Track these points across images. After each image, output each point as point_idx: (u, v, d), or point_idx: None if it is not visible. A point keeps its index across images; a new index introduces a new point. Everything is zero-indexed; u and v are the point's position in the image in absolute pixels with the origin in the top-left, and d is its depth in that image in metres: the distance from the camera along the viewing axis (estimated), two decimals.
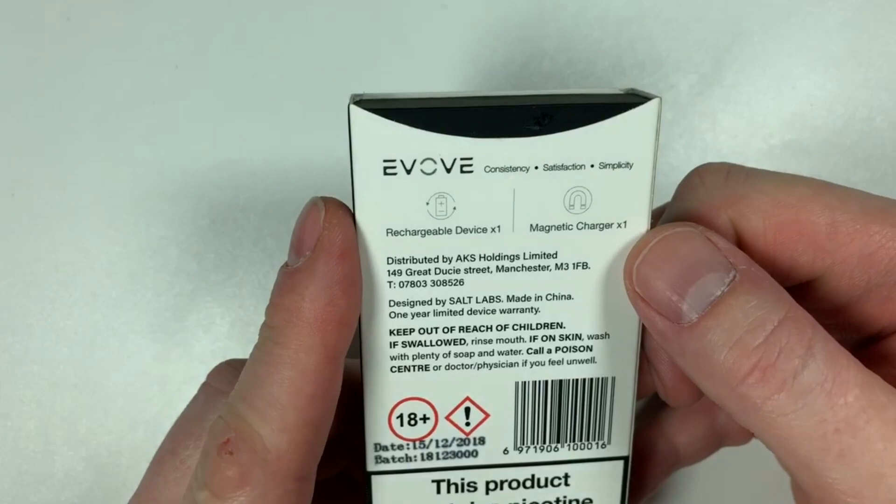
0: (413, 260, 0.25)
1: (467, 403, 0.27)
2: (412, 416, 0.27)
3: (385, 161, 0.24)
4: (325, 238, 0.24)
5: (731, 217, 0.26)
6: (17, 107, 0.38)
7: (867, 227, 0.25)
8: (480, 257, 0.26)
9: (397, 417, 0.27)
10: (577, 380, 0.27)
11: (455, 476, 0.28)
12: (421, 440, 0.28)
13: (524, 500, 0.29)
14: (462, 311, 0.26)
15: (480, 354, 0.27)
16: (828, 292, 0.26)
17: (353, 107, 0.24)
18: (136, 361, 0.39)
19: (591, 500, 0.29)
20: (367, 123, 0.24)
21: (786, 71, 0.38)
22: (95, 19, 0.38)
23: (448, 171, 0.24)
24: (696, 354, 0.23)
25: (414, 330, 0.26)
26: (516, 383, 0.27)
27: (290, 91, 0.38)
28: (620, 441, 0.28)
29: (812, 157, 0.39)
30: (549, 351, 0.27)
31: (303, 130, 0.38)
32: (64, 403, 0.39)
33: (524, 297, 0.26)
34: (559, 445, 0.28)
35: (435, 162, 0.24)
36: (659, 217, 0.28)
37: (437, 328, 0.26)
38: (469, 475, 0.28)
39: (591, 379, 0.27)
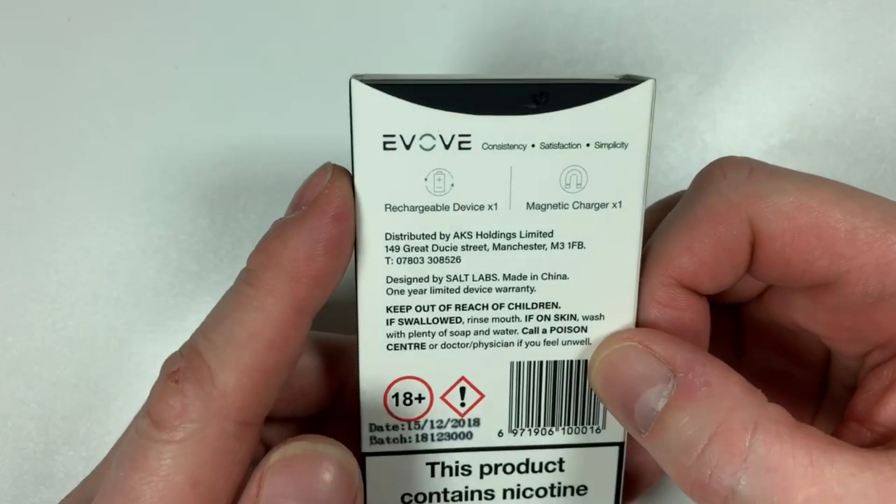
0: (411, 236, 0.26)
1: (462, 383, 0.27)
2: (407, 396, 0.27)
3: (385, 136, 0.25)
4: (323, 197, 0.24)
5: (749, 215, 0.26)
6: (17, 107, 0.38)
7: (886, 236, 0.25)
8: (477, 235, 0.26)
9: (392, 397, 0.27)
10: (571, 361, 0.27)
11: (450, 459, 0.28)
12: (416, 420, 0.28)
13: (518, 485, 0.29)
14: (458, 288, 0.26)
15: (476, 333, 0.27)
16: (840, 297, 0.26)
17: (354, 81, 0.24)
18: (137, 361, 0.39)
19: (585, 488, 0.29)
20: (368, 98, 0.24)
21: (786, 71, 0.38)
22: (96, 19, 0.38)
23: (446, 147, 0.25)
24: (657, 460, 0.25)
25: (410, 307, 0.26)
26: (511, 363, 0.27)
27: (290, 91, 0.38)
28: (615, 426, 0.28)
29: (812, 157, 0.39)
30: (545, 331, 0.27)
31: (303, 131, 0.38)
32: (64, 403, 0.39)
33: (520, 275, 0.26)
34: (553, 429, 0.28)
35: (434, 138, 0.25)
36: (673, 205, 0.28)
37: (433, 306, 0.26)
38: (464, 458, 0.28)
39: (587, 361, 0.27)
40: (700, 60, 0.38)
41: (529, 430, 0.28)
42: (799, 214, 0.25)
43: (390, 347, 0.27)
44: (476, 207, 0.26)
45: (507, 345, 0.27)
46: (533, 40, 0.38)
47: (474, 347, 0.27)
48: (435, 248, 0.26)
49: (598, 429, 0.28)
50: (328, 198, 0.24)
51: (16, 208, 0.38)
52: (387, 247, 0.26)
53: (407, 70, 0.37)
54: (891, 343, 0.26)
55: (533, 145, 0.25)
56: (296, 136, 0.38)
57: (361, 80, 0.24)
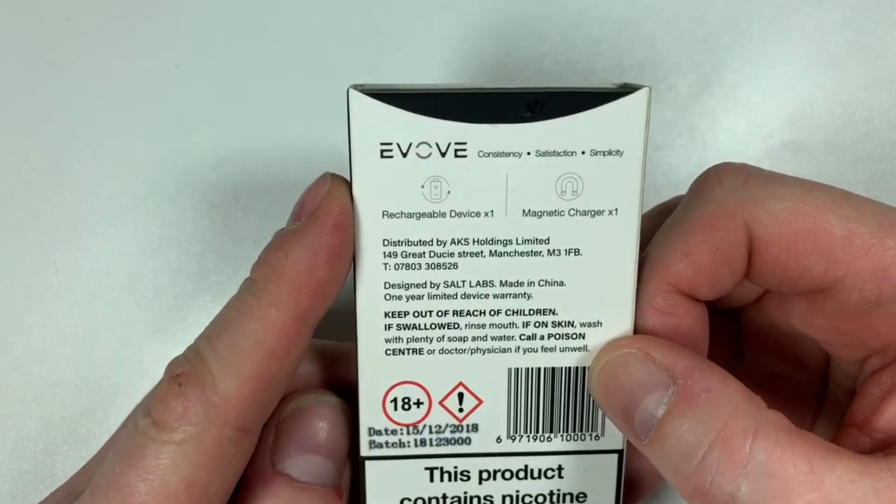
0: (408, 242, 0.26)
1: (460, 389, 0.28)
2: (406, 401, 0.28)
3: (382, 144, 0.25)
4: (322, 208, 0.25)
5: (746, 221, 0.26)
6: (17, 107, 0.38)
7: (883, 241, 0.25)
8: (474, 241, 0.26)
9: (391, 401, 0.28)
10: (569, 367, 0.28)
11: (448, 464, 0.28)
12: (414, 425, 0.28)
13: (517, 491, 0.29)
14: (456, 294, 0.27)
15: (474, 339, 0.27)
16: (837, 303, 0.26)
17: (351, 91, 0.24)
18: (137, 361, 0.39)
19: (584, 495, 0.29)
20: (365, 107, 0.25)
21: (785, 71, 0.38)
22: (95, 19, 0.38)
23: (443, 154, 0.25)
24: (657, 467, 0.25)
25: (409, 313, 0.27)
26: (509, 370, 0.27)
27: (290, 92, 0.38)
28: (614, 434, 0.28)
29: (812, 157, 0.39)
30: (542, 337, 0.27)
31: (303, 131, 0.38)
32: (64, 403, 0.39)
33: (517, 282, 0.27)
34: (552, 435, 0.28)
35: (430, 146, 0.25)
36: (669, 211, 0.28)
37: (431, 311, 0.27)
38: (462, 463, 0.28)
39: (585, 367, 0.28)
40: (700, 60, 0.38)
41: (528, 436, 0.28)
42: (795, 220, 0.25)
43: (388, 353, 0.27)
44: (472, 214, 0.26)
45: (504, 351, 0.27)
46: (533, 40, 0.38)
47: (472, 353, 0.27)
48: (432, 254, 0.26)
49: (597, 436, 0.28)
50: (327, 208, 0.25)
51: (16, 208, 0.38)
52: (385, 253, 0.26)
53: (407, 70, 0.37)
54: (889, 348, 0.26)
55: (528, 153, 0.25)
56: (296, 136, 0.38)
57: (359, 90, 0.24)
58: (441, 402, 0.28)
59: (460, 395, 0.28)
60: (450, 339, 0.27)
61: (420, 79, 0.38)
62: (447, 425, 0.28)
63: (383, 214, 0.26)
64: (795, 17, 0.38)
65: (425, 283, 0.26)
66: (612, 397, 0.26)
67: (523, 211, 0.26)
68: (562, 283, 0.27)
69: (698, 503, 0.23)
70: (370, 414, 0.28)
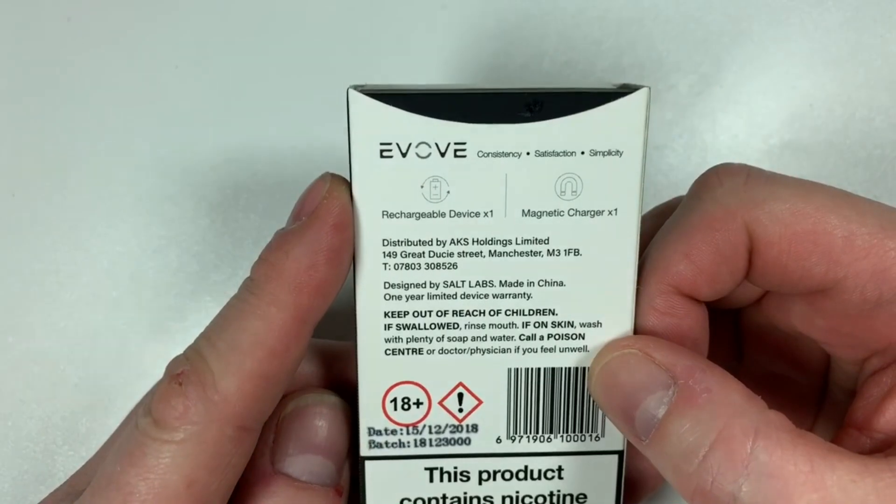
0: (408, 242, 0.26)
1: (460, 389, 0.28)
2: (405, 401, 0.28)
3: (381, 144, 0.25)
4: (322, 208, 0.25)
5: (746, 222, 0.26)
6: (17, 107, 0.38)
7: (883, 242, 0.25)
8: (473, 241, 0.26)
9: (391, 401, 0.28)
10: (569, 368, 0.27)
11: (448, 464, 0.28)
12: (414, 426, 0.28)
13: (517, 492, 0.29)
14: (455, 294, 0.27)
15: (473, 339, 0.27)
16: (838, 303, 0.26)
17: (351, 91, 0.25)
18: (137, 361, 0.39)
19: (585, 496, 0.29)
20: (365, 107, 0.25)
21: (786, 71, 0.38)
22: (95, 19, 0.38)
23: (442, 155, 0.25)
24: (658, 467, 0.25)
25: (408, 313, 0.27)
26: (509, 370, 0.27)
27: (290, 92, 0.38)
28: (615, 434, 0.28)
29: (812, 157, 0.39)
30: (542, 338, 0.27)
31: (303, 131, 0.38)
32: (64, 403, 0.39)
33: (516, 282, 0.27)
34: (552, 436, 0.28)
35: (429, 146, 0.25)
36: (669, 212, 0.28)
37: (430, 311, 0.27)
38: (462, 464, 0.28)
39: (584, 368, 0.27)
40: (700, 60, 0.38)
41: (528, 437, 0.28)
42: (795, 220, 0.25)
43: (388, 352, 0.27)
44: (472, 214, 0.26)
45: (504, 351, 0.27)
46: (533, 40, 0.38)
47: (472, 353, 0.27)
48: (432, 254, 0.26)
49: (597, 436, 0.28)
50: (327, 208, 0.25)
51: (16, 208, 0.38)
52: (384, 253, 0.26)
53: (407, 70, 0.37)
54: (889, 349, 0.26)
55: (528, 153, 0.25)
56: (296, 136, 0.38)
57: (358, 90, 0.24)
58: (441, 403, 0.28)
59: (460, 396, 0.28)
60: (449, 339, 0.27)
61: (420, 79, 0.38)
62: (447, 425, 0.28)
63: (383, 214, 0.26)
64: (795, 17, 0.38)
65: (425, 283, 0.26)
66: (612, 397, 0.26)
67: (523, 211, 0.26)
68: (561, 284, 0.27)
69: (699, 502, 0.23)
70: (370, 414, 0.28)
